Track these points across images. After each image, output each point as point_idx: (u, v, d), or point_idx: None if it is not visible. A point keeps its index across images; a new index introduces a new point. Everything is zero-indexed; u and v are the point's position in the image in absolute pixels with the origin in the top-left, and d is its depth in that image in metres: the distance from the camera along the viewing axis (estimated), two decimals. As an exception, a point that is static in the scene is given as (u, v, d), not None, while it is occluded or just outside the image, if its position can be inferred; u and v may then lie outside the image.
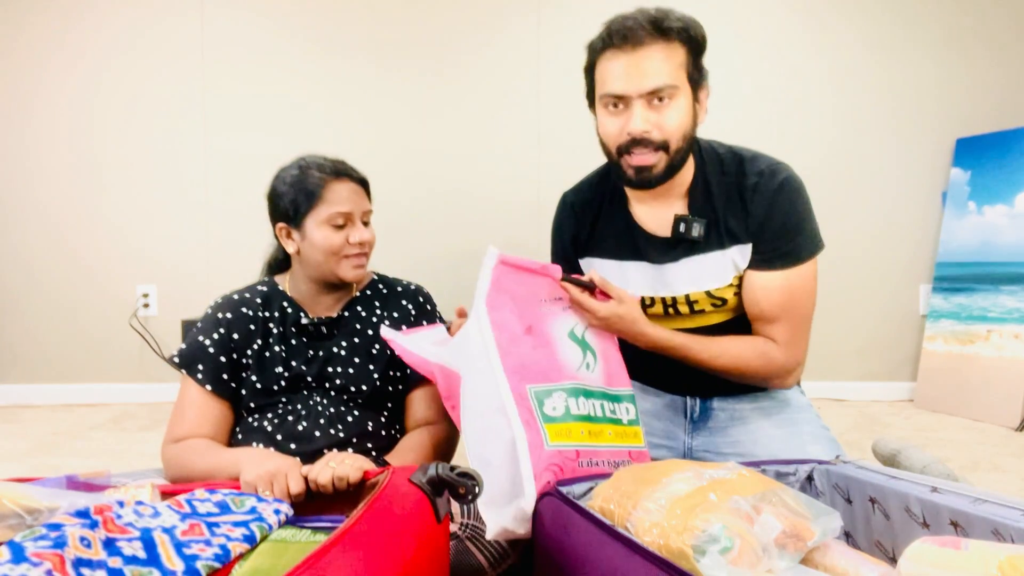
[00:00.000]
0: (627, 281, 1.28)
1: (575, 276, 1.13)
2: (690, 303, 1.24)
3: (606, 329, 1.14)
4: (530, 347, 1.04)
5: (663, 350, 1.18)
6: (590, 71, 1.18)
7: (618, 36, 1.11)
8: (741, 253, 1.20)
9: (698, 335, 1.20)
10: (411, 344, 1.14)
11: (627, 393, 1.12)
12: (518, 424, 0.94)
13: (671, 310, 1.26)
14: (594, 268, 1.34)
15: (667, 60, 1.10)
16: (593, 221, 1.32)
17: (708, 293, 1.23)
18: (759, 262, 1.19)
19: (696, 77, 1.14)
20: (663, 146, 1.13)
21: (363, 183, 1.26)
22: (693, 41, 1.12)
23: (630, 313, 1.13)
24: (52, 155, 2.73)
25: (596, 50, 1.15)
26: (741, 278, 1.22)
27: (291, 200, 1.21)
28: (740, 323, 1.27)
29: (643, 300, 1.28)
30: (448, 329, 1.22)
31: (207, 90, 2.73)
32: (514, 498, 0.92)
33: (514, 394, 0.97)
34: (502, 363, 0.98)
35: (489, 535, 0.93)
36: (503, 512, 0.93)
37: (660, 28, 1.10)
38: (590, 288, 1.13)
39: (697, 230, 1.19)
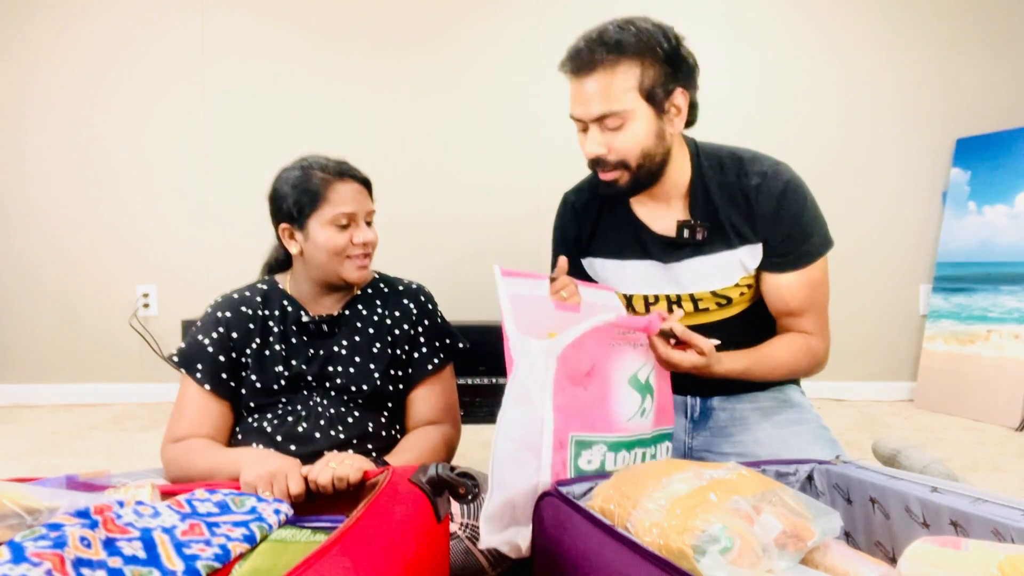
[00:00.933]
0: (629, 280, 1.29)
1: (664, 330, 1.04)
2: (694, 301, 1.25)
3: (672, 371, 1.09)
4: (584, 389, 0.97)
5: (729, 378, 1.17)
6: None
7: (567, 64, 1.13)
8: (750, 253, 1.21)
9: (749, 352, 1.20)
10: (505, 292, 1.02)
11: (668, 431, 1.08)
12: (547, 473, 0.91)
13: (675, 307, 1.27)
14: (596, 268, 1.34)
15: (612, 86, 1.10)
16: (594, 221, 1.33)
17: (713, 292, 1.24)
18: (779, 266, 1.21)
19: (658, 92, 1.12)
20: (621, 165, 1.15)
21: (366, 183, 1.26)
22: (652, 52, 1.10)
23: (708, 363, 1.08)
24: (52, 155, 2.73)
25: (563, 70, 1.17)
26: (756, 278, 1.24)
27: (294, 201, 1.21)
28: (741, 319, 1.28)
29: (646, 299, 1.29)
30: (552, 281, 1.16)
31: (207, 90, 2.73)
32: (514, 526, 0.91)
33: (555, 439, 0.92)
34: (553, 405, 0.93)
35: (480, 545, 0.93)
36: (501, 535, 0.92)
37: (606, 48, 1.09)
38: (669, 337, 1.05)
39: (701, 234, 1.21)
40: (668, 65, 1.12)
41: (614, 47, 1.09)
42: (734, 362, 1.17)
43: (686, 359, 1.05)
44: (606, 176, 1.18)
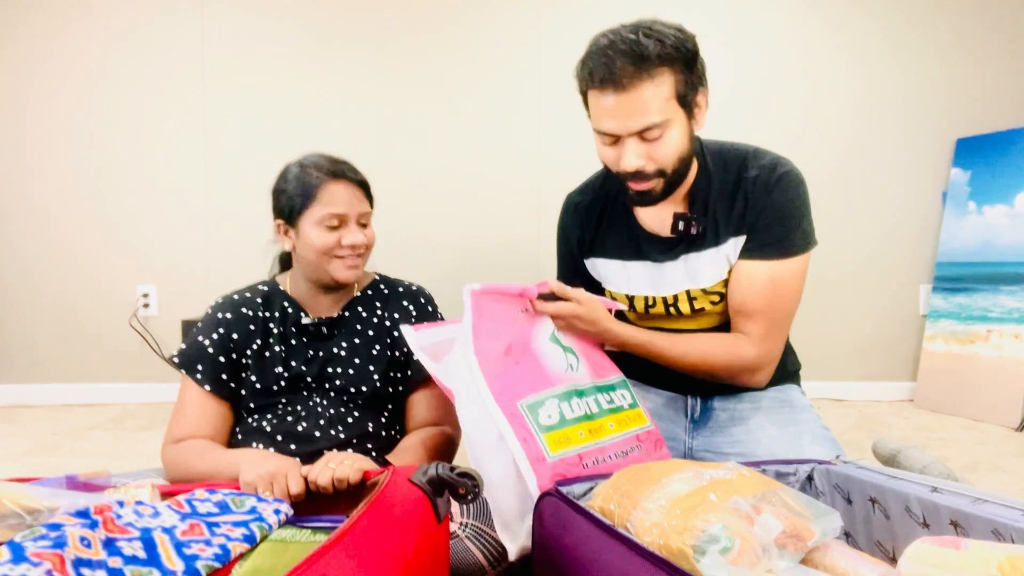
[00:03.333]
0: (630, 281, 1.29)
1: (544, 292, 1.14)
2: (690, 300, 1.25)
3: (573, 331, 1.16)
4: (512, 364, 1.04)
5: (631, 348, 1.21)
6: (584, 95, 1.16)
7: (598, 77, 1.08)
8: (735, 246, 1.21)
9: (672, 336, 1.22)
10: (416, 346, 1.12)
11: (619, 380, 1.15)
12: (515, 443, 0.94)
13: (672, 309, 1.27)
14: (599, 268, 1.34)
15: (654, 98, 1.07)
16: (597, 222, 1.33)
17: (704, 291, 1.24)
18: (749, 250, 1.20)
19: (688, 95, 1.11)
20: (659, 174, 1.14)
21: (362, 185, 1.25)
22: (681, 58, 1.08)
23: (590, 313, 1.14)
24: (52, 155, 2.73)
25: (583, 82, 1.13)
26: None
27: (288, 198, 1.21)
28: None
29: (646, 300, 1.29)
30: None
31: (207, 89, 2.73)
32: (526, 515, 0.92)
33: (507, 416, 0.96)
34: (490, 389, 0.98)
35: (512, 557, 0.94)
36: (520, 532, 0.93)
37: (641, 59, 1.05)
38: (549, 298, 1.14)
39: (696, 227, 1.21)
40: (692, 66, 1.11)
41: (650, 59, 1.05)
42: (635, 331, 1.20)
43: (562, 307, 1.11)
44: (642, 186, 1.15)
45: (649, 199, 1.17)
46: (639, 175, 1.13)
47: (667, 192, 1.17)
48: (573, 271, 1.40)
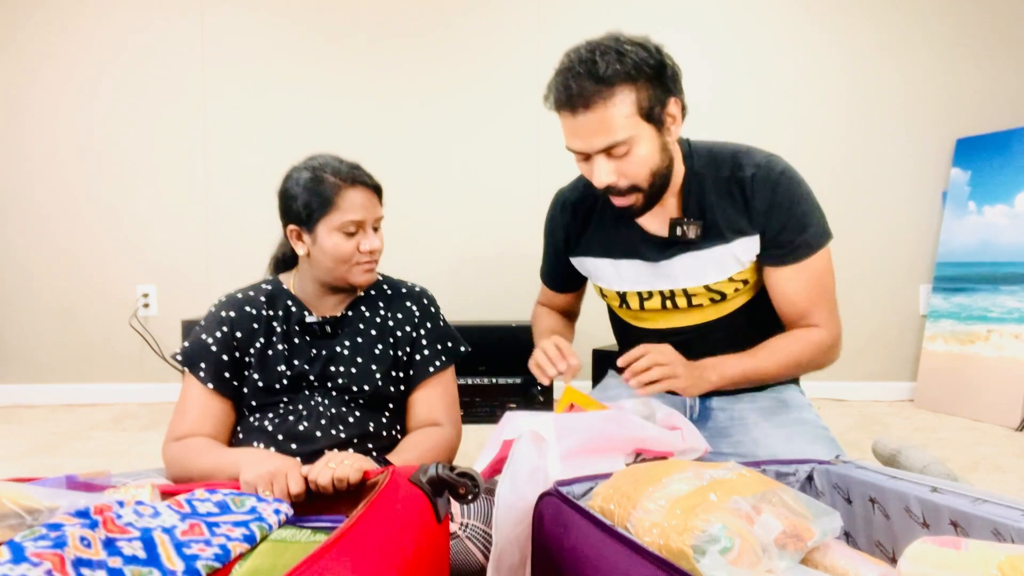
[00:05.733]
0: (622, 278, 1.30)
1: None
2: (688, 296, 1.25)
3: (685, 390, 1.11)
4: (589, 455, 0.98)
5: (733, 381, 1.20)
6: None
7: (558, 101, 1.11)
8: (744, 246, 1.21)
9: (749, 353, 1.21)
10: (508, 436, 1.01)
11: None
12: None
13: (668, 303, 1.28)
14: (587, 266, 1.35)
15: (614, 116, 1.07)
16: (585, 219, 1.34)
17: (707, 287, 1.24)
18: (778, 259, 1.21)
19: (655, 108, 1.10)
20: (634, 189, 1.15)
21: (377, 189, 1.25)
22: (642, 74, 1.08)
23: (686, 372, 1.11)
24: (52, 155, 2.73)
25: (550, 106, 1.15)
26: (758, 272, 1.25)
27: (304, 204, 1.19)
28: (739, 316, 1.28)
29: (640, 295, 1.29)
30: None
31: (207, 89, 2.73)
32: (522, 570, 0.91)
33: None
34: (558, 448, 0.94)
35: None
36: None
37: (597, 79, 1.06)
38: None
39: (694, 231, 1.21)
40: (658, 80, 1.10)
41: (606, 78, 1.06)
42: (730, 366, 1.17)
43: (642, 357, 1.08)
44: (621, 202, 1.17)
45: (632, 213, 1.19)
46: (613, 190, 1.15)
47: (650, 204, 1.19)
48: (557, 267, 1.41)
